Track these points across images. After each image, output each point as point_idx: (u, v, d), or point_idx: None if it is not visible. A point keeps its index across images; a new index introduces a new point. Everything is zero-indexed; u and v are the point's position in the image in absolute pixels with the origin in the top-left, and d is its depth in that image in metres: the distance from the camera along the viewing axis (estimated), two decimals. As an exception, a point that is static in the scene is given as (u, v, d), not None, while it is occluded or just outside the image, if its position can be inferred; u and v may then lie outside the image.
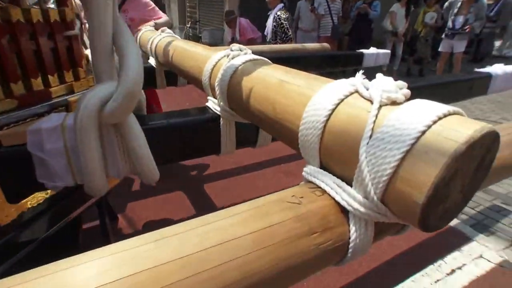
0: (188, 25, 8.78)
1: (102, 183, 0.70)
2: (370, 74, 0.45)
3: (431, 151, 0.31)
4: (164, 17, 2.51)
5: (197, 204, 2.27)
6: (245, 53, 0.79)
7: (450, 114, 0.35)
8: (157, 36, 1.67)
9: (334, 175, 0.45)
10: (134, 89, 0.60)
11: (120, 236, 1.94)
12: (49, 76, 0.76)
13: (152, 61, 1.72)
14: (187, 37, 8.48)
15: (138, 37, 1.96)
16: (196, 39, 8.52)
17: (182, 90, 2.86)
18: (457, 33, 5.23)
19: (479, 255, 1.81)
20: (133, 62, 0.60)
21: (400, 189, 0.34)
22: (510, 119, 4.05)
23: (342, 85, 0.47)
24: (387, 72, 6.06)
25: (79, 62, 0.84)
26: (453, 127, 0.32)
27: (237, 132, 0.86)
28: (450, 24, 5.27)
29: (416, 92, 1.15)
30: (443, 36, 5.49)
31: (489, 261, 1.77)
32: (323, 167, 0.48)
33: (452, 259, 1.78)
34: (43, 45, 0.73)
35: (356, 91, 0.45)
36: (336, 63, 2.26)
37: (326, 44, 2.65)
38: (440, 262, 1.76)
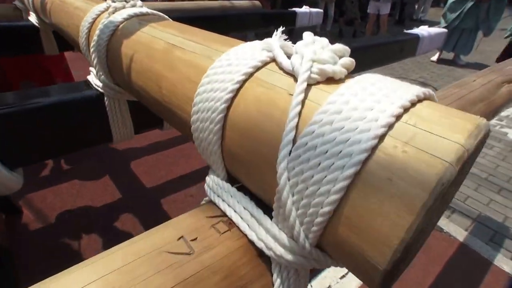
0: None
1: None
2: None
3: (400, 178, 0.17)
4: None
5: (122, 186, 2.00)
6: (132, 6, 0.56)
7: (420, 100, 0.20)
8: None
9: (247, 191, 0.30)
10: None
11: (25, 234, 1.62)
12: None
13: (33, 17, 1.30)
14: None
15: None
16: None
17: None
18: (382, -4, 5.42)
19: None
20: None
21: (347, 239, 0.19)
22: (427, 77, 4.38)
23: (252, 50, 0.30)
24: (321, 33, 6.11)
25: None
26: (431, 127, 0.18)
27: (137, 111, 0.65)
28: None
29: (354, 54, 1.07)
30: (369, -2, 5.64)
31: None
32: (231, 177, 0.32)
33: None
34: None
35: (273, 60, 0.28)
36: (267, 23, 2.07)
37: (256, 2, 2.42)
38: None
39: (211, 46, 0.35)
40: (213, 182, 0.32)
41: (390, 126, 0.18)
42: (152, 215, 1.80)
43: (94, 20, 0.59)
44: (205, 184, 0.34)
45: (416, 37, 1.38)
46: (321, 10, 2.38)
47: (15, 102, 0.54)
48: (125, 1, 0.57)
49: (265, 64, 0.28)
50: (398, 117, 0.19)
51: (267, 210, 0.27)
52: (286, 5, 6.15)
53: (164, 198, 1.94)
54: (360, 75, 0.23)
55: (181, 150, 2.37)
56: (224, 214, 0.29)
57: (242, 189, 0.31)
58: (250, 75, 0.27)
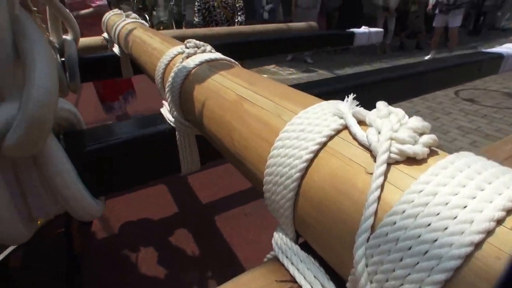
0: (172, 3, 8.31)
1: (16, 229, 0.53)
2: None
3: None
4: (97, 4, 2.45)
5: (180, 200, 2.11)
6: (203, 51, 0.61)
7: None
8: (121, 22, 1.45)
9: (317, 255, 0.30)
10: (40, 114, 0.43)
11: (93, 242, 1.78)
12: None
13: (116, 49, 1.52)
14: (171, 15, 8.04)
15: (105, 21, 1.73)
16: (180, 17, 8.11)
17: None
18: (452, 8, 5.03)
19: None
20: (41, 79, 0.42)
21: None
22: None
23: (323, 115, 0.30)
24: (380, 47, 5.88)
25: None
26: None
27: (202, 144, 0.69)
28: None
29: (420, 78, 1.00)
30: (436, 11, 5.27)
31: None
32: (299, 236, 0.32)
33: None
34: None
35: (346, 128, 0.28)
36: (324, 44, 2.06)
37: (313, 23, 2.43)
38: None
39: (280, 104, 0.36)
40: (282, 241, 0.32)
41: (490, 232, 0.17)
42: (207, 232, 1.87)
43: (169, 62, 0.65)
44: (273, 240, 0.34)
45: (499, 56, 1.24)
46: (381, 30, 2.30)
47: (101, 138, 0.61)
48: (197, 47, 0.62)
49: (338, 132, 0.28)
50: (500, 221, 0.17)
51: (335, 276, 0.27)
52: (343, 20, 6.08)
53: (219, 214, 2.00)
54: (449, 157, 0.22)
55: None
56: (293, 280, 0.29)
57: (308, 247, 0.31)
58: (324, 144, 0.28)
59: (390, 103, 0.29)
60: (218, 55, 0.58)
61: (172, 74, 0.59)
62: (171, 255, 1.67)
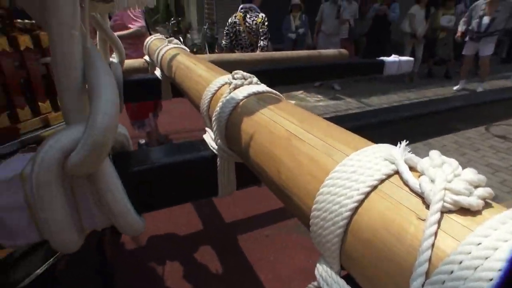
0: (206, 26, 8.72)
1: (72, 239, 0.58)
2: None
3: None
4: (136, 26, 2.63)
5: (204, 218, 2.14)
6: (249, 83, 0.65)
7: None
8: (164, 47, 1.55)
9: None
10: (103, 139, 0.48)
11: (121, 253, 1.84)
12: (18, 110, 0.65)
13: (158, 72, 1.62)
14: (204, 38, 8.43)
15: (147, 45, 1.86)
16: (213, 40, 8.46)
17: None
18: (484, 36, 4.92)
19: None
20: (105, 106, 0.48)
21: None
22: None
23: (374, 159, 0.32)
24: (408, 75, 5.83)
25: (58, 90, 0.72)
26: None
27: (239, 169, 0.72)
28: (474, 27, 4.96)
29: (454, 114, 0.99)
30: (466, 39, 5.18)
31: None
32: (343, 269, 0.34)
33: None
34: (10, 75, 0.62)
35: (397, 173, 0.30)
36: (355, 72, 2.09)
37: (344, 51, 2.48)
38: None
39: (330, 143, 0.39)
40: (326, 274, 0.34)
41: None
42: (229, 250, 1.88)
43: (216, 91, 0.70)
44: (316, 271, 0.36)
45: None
46: (411, 59, 2.30)
47: (147, 160, 0.66)
48: (244, 78, 0.66)
49: (389, 176, 0.30)
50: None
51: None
52: (371, 47, 6.12)
53: (241, 234, 2.01)
54: (507, 212, 0.23)
55: (261, 190, 2.45)
56: (340, 314, 0.31)
57: (352, 280, 0.32)
58: (375, 187, 0.30)
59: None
60: (264, 87, 0.62)
61: (219, 104, 0.63)
62: (196, 271, 1.70)
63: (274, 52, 2.61)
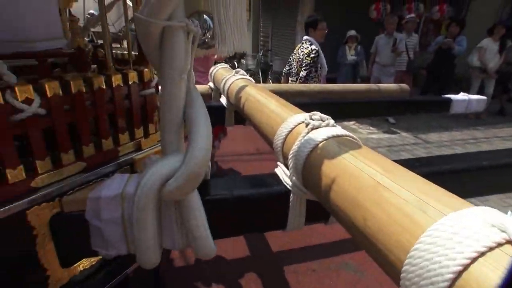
0: (261, 53, 9.11)
1: (155, 256, 0.64)
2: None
3: None
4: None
5: (252, 244, 2.14)
6: (327, 124, 0.68)
7: None
8: (231, 77, 1.67)
9: None
10: (199, 171, 0.53)
11: (169, 268, 1.91)
12: (120, 135, 0.75)
13: (223, 100, 1.73)
14: (258, 64, 8.77)
15: (213, 73, 2.00)
16: (267, 66, 8.76)
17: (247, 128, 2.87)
18: None
19: None
20: (202, 141, 0.54)
21: None
22: None
23: (479, 223, 0.32)
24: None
25: (150, 118, 0.82)
26: None
27: (308, 205, 0.74)
28: None
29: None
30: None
31: None
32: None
33: None
34: (119, 106, 0.72)
35: (508, 242, 0.30)
36: (418, 110, 2.01)
37: (405, 86, 2.41)
38: None
39: (423, 199, 0.39)
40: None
41: None
42: (275, 281, 1.85)
43: (292, 130, 0.74)
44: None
45: None
46: (485, 98, 2.16)
47: (223, 189, 0.71)
48: (322, 120, 0.69)
49: (500, 245, 0.30)
50: None
51: None
52: (432, 81, 5.84)
53: (287, 266, 1.98)
54: None
55: (314, 227, 2.42)
56: None
57: None
58: (482, 253, 0.30)
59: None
60: (343, 131, 0.64)
61: (297, 143, 0.66)
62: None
63: (332, 85, 2.63)
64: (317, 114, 0.71)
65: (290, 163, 0.68)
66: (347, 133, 0.65)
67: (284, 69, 3.46)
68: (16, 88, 0.55)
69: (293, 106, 0.93)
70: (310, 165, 0.62)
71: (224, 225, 0.72)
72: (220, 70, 1.97)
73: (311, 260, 2.01)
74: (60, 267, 0.67)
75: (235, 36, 0.70)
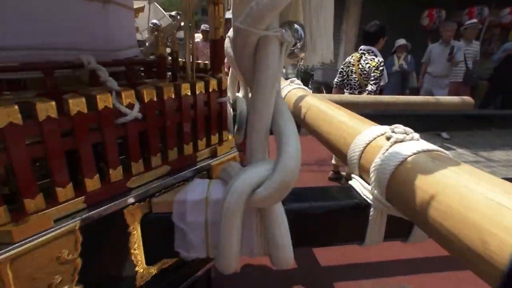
0: (301, 62, 9.05)
1: (234, 263, 0.65)
2: None
3: None
4: None
5: (299, 255, 2.10)
6: (411, 138, 0.65)
7: None
8: (287, 86, 1.68)
9: None
10: (290, 180, 0.54)
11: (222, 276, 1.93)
12: (199, 141, 0.78)
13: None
14: (298, 73, 8.73)
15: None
16: (307, 75, 8.69)
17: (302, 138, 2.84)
18: None
19: None
20: (293, 150, 0.54)
21: None
22: None
23: None
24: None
25: (224, 125, 0.85)
26: None
27: (388, 220, 0.71)
28: None
29: None
30: None
31: None
32: None
33: None
34: (200, 113, 0.76)
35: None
36: (486, 125, 1.87)
37: (468, 98, 2.25)
38: None
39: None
40: None
41: None
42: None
43: (370, 142, 0.72)
44: None
45: None
46: None
47: (305, 199, 0.71)
48: (406, 133, 0.67)
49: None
50: None
51: None
52: (495, 93, 5.39)
53: (337, 282, 1.91)
54: None
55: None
56: None
57: None
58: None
59: None
60: (433, 145, 0.61)
61: (380, 155, 0.65)
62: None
63: (388, 96, 2.53)
64: (399, 127, 0.68)
65: (372, 176, 0.66)
66: (438, 148, 0.62)
67: (336, 80, 3.33)
68: (122, 94, 0.60)
69: (363, 118, 0.91)
70: (396, 179, 0.60)
71: (301, 236, 0.71)
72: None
73: (364, 279, 1.92)
74: (145, 264, 0.70)
75: (324, 46, 0.70)
